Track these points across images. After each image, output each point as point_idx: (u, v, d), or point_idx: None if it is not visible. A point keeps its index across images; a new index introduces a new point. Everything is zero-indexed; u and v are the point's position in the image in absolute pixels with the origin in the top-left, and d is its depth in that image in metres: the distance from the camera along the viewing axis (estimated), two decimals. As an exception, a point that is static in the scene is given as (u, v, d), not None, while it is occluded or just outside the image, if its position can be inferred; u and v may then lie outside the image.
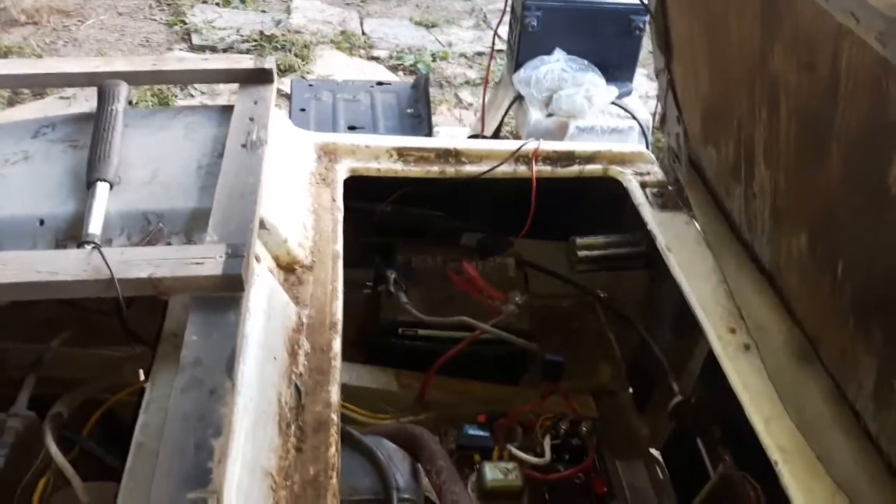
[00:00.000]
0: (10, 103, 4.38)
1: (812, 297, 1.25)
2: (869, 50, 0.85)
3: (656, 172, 1.86)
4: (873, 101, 0.91)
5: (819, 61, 1.01)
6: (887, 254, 0.97)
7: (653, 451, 1.86)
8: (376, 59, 5.19)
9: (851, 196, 1.05)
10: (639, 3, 2.70)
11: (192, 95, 4.47)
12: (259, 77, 1.59)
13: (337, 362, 1.28)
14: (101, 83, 1.52)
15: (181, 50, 5.11)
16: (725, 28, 1.32)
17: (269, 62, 1.61)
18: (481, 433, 1.77)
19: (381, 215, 1.95)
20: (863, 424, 1.13)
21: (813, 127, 1.10)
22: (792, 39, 1.07)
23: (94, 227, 1.24)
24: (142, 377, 1.46)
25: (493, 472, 1.64)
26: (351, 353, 1.90)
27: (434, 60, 5.21)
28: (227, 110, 1.54)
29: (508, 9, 3.27)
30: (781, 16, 1.08)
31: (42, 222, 1.29)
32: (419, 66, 5.07)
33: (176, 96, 4.44)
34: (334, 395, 1.22)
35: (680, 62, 1.61)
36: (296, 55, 5.03)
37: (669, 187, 1.79)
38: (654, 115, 3.19)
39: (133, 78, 1.57)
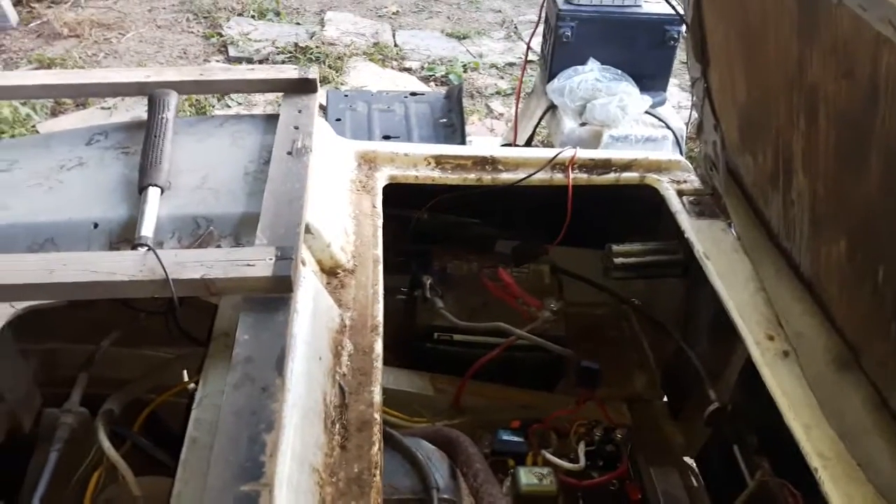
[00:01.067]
0: (54, 113, 4.51)
1: (852, 304, 1.25)
2: (910, 57, 0.86)
3: (693, 180, 1.86)
4: (915, 108, 0.92)
5: (857, 69, 1.02)
6: (929, 260, 0.98)
7: (687, 458, 1.86)
8: (408, 70, 5.25)
9: (891, 203, 1.05)
10: (674, 13, 2.71)
11: (228, 106, 4.56)
12: (302, 87, 1.64)
13: (378, 363, 1.31)
14: (152, 92, 1.57)
15: (217, 62, 5.22)
16: (763, 36, 1.33)
17: (313, 72, 1.66)
18: (515, 438, 1.79)
19: (418, 222, 1.99)
20: (905, 431, 1.13)
21: (852, 134, 1.10)
22: (830, 47, 1.08)
23: (147, 229, 1.29)
24: (185, 377, 1.51)
25: (528, 477, 1.66)
26: (387, 357, 1.93)
27: (465, 71, 5.26)
28: (272, 119, 1.59)
29: (542, 19, 3.30)
30: (819, 24, 1.09)
31: (96, 225, 1.33)
32: (451, 76, 5.12)
33: (213, 106, 4.53)
34: (377, 395, 1.25)
35: (716, 70, 1.62)
36: (329, 66, 5.11)
37: (706, 195, 1.79)
38: (687, 124, 3.19)
39: (181, 87, 1.62)
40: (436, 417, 1.84)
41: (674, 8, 1.85)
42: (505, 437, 1.79)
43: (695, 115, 1.87)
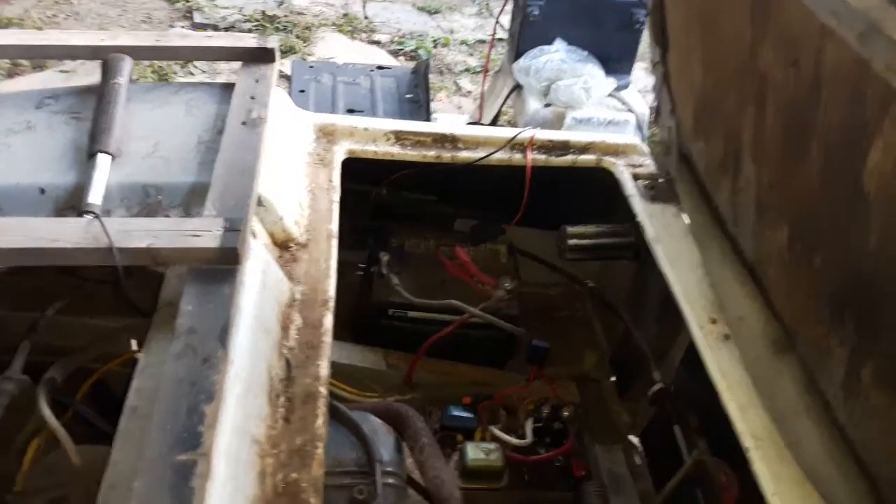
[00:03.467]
0: (10, 75, 4.39)
1: (790, 289, 1.28)
2: (849, 50, 0.88)
3: (648, 165, 1.88)
4: (851, 100, 0.94)
5: (803, 59, 1.04)
6: (860, 249, 1.01)
7: (632, 437, 1.90)
8: (377, 43, 5.20)
9: (829, 193, 1.08)
10: (639, -4, 2.73)
11: (191, 73, 4.48)
12: (261, 56, 1.62)
13: (328, 338, 1.31)
14: (106, 57, 1.54)
15: (182, 27, 5.11)
16: (718, 22, 1.34)
17: (272, 41, 1.64)
18: (465, 414, 1.81)
19: (377, 198, 1.98)
20: (832, 413, 1.17)
21: (796, 123, 1.13)
22: (779, 36, 1.10)
23: (95, 197, 1.27)
24: (134, 347, 1.49)
25: (475, 452, 1.68)
26: (341, 332, 1.93)
27: (435, 47, 5.22)
28: (228, 88, 1.56)
29: (510, -2, 3.29)
30: (770, 12, 1.11)
31: (43, 191, 1.31)
32: (420, 51, 5.08)
33: (176, 73, 4.44)
34: (323, 369, 1.25)
35: (675, 55, 1.63)
36: (297, 37, 5.04)
37: (660, 180, 1.82)
38: (651, 108, 3.22)
39: (136, 53, 1.59)
40: (388, 393, 1.85)
41: (635, -8, 1.86)
42: (455, 413, 1.81)
43: (656, 98, 1.89)
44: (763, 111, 1.23)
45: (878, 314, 1.02)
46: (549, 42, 3.05)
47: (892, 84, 0.80)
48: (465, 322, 1.86)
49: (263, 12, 5.29)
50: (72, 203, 1.30)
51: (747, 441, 1.23)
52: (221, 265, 1.14)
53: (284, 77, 3.87)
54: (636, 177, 1.84)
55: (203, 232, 1.14)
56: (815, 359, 1.22)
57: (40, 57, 3.05)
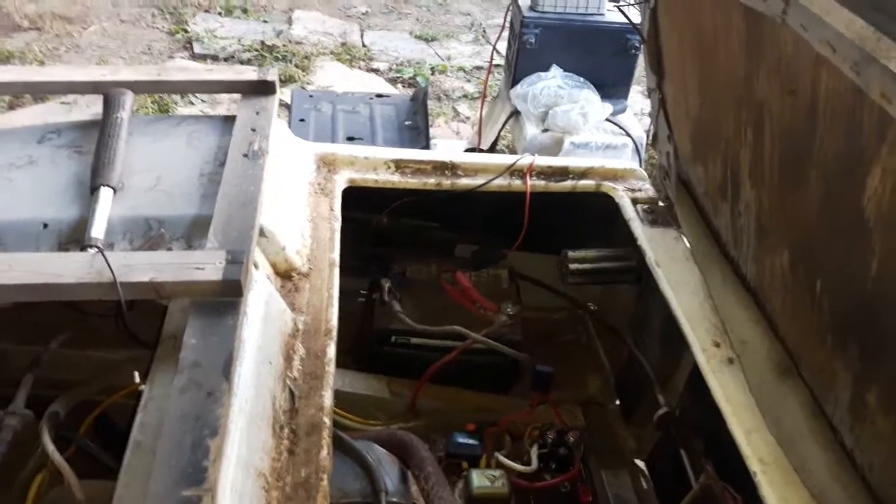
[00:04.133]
0: (11, 107, 4.42)
1: (793, 313, 1.28)
2: (844, 79, 0.89)
3: (647, 189, 1.90)
4: (848, 128, 0.95)
5: (800, 88, 1.05)
6: (860, 274, 1.01)
7: (638, 461, 1.89)
8: (376, 70, 5.25)
9: (829, 218, 1.09)
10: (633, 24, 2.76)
11: (192, 103, 4.51)
12: (261, 88, 1.63)
13: (331, 368, 1.31)
14: (107, 91, 1.55)
15: (182, 58, 5.16)
16: (714, 51, 1.36)
17: (272, 74, 1.65)
18: (470, 441, 1.80)
19: (378, 226, 1.99)
20: (839, 437, 1.17)
21: (794, 150, 1.14)
22: (774, 65, 1.11)
23: (97, 231, 1.27)
24: (137, 380, 1.49)
25: (480, 480, 1.67)
26: (344, 360, 1.93)
27: (433, 74, 5.27)
28: (229, 120, 1.58)
29: (507, 25, 3.32)
30: (764, 41, 1.13)
31: (46, 226, 1.31)
32: (418, 78, 5.13)
33: (176, 104, 4.48)
34: (327, 399, 1.25)
35: (671, 82, 1.65)
36: (296, 66, 5.08)
37: (660, 203, 1.83)
38: (647, 132, 3.24)
39: (138, 87, 1.61)
40: (391, 420, 1.85)
41: (630, 22, 1.88)
42: (460, 440, 1.81)
43: (652, 124, 1.90)
44: (761, 138, 1.24)
45: (882, 339, 1.02)
46: (546, 69, 3.08)
47: (889, 111, 0.81)
48: (468, 348, 1.85)
49: (262, 42, 5.34)
50: (75, 237, 1.30)
51: (754, 465, 1.23)
52: (224, 297, 1.15)
53: (284, 106, 3.90)
54: (635, 201, 1.85)
55: (206, 264, 1.15)
56: (819, 383, 1.22)
57: (42, 92, 3.08)
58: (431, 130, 3.52)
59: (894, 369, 0.99)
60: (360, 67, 5.27)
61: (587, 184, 1.91)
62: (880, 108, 0.83)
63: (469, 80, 5.26)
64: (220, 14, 5.71)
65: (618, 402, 2.04)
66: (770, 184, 1.25)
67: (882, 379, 1.02)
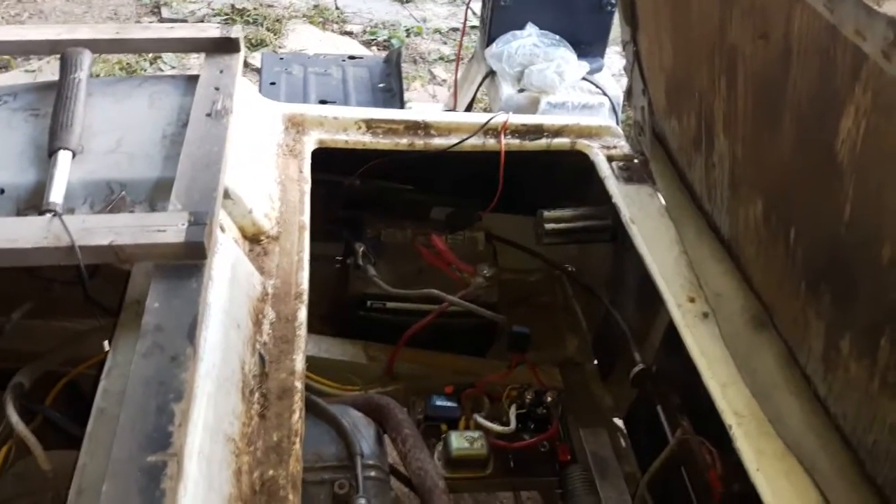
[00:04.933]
0: (-26, 76, 4.29)
1: (767, 264, 1.28)
2: (818, 17, 0.87)
3: (623, 146, 1.87)
4: (822, 69, 0.93)
5: (773, 30, 1.02)
6: (833, 220, 1.00)
7: (616, 420, 1.90)
8: (350, 34, 5.14)
9: (802, 164, 1.07)
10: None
11: (161, 69, 4.40)
12: (225, 46, 1.58)
13: (302, 332, 1.29)
14: (64, 51, 1.49)
15: (150, 22, 5.02)
16: (687, -2, 1.33)
17: (236, 31, 1.60)
18: (449, 404, 1.80)
19: (350, 188, 1.95)
20: (812, 387, 1.17)
21: (768, 96, 1.12)
22: (748, 8, 1.09)
23: (56, 195, 1.23)
24: (106, 349, 1.46)
25: (459, 441, 1.67)
26: (321, 326, 1.91)
27: (408, 36, 5.17)
28: (192, 80, 1.53)
29: (481, -17, 3.26)
30: (738, -16, 1.10)
31: (2, 191, 1.27)
32: (393, 41, 5.04)
33: (145, 70, 4.37)
34: (299, 363, 1.23)
35: (645, 34, 1.62)
36: (267, 29, 4.97)
37: (635, 160, 1.81)
38: (625, 92, 3.20)
39: (96, 46, 1.55)
40: (369, 385, 1.83)
41: (603, -30, 1.84)
42: (438, 403, 1.80)
43: (627, 78, 1.87)
44: (734, 85, 1.22)
45: (854, 285, 1.01)
46: (521, 27, 3.02)
47: (863, 48, 0.79)
48: (445, 311, 1.84)
49: (233, 5, 5.21)
50: (33, 202, 1.26)
51: (729, 418, 1.23)
52: (188, 260, 1.11)
53: (255, 70, 3.82)
54: (610, 158, 1.82)
55: (168, 227, 1.11)
56: (793, 333, 1.21)
57: (-1, 54, 2.97)
58: (407, 94, 3.47)
59: (866, 315, 0.99)
60: (333, 30, 5.16)
61: (562, 142, 1.89)
62: (854, 46, 0.81)
63: (445, 43, 5.18)
64: (188, -22, 5.55)
65: (595, 361, 2.04)
66: (743, 133, 1.23)
67: (854, 325, 1.02)
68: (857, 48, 0.80)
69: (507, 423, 1.75)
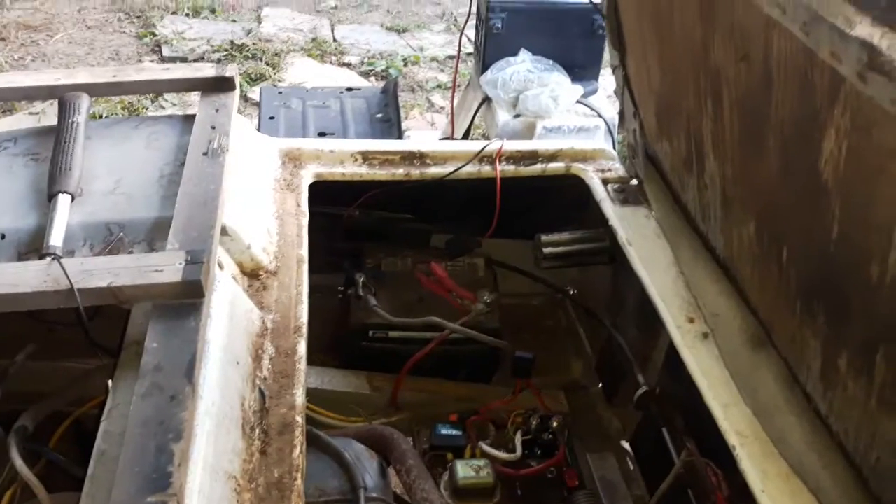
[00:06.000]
0: (-20, 120, 4.35)
1: (762, 283, 1.28)
2: (795, 40, 0.88)
3: (617, 169, 1.89)
4: (802, 91, 0.94)
5: (753, 53, 1.04)
6: (822, 238, 1.00)
7: (623, 443, 1.88)
8: (348, 65, 5.20)
9: (789, 184, 1.08)
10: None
11: (162, 107, 4.46)
12: (220, 85, 1.61)
13: (302, 365, 1.29)
14: (62, 96, 1.52)
15: (151, 62, 5.10)
16: (670, 22, 1.35)
17: (231, 70, 1.63)
18: (454, 432, 1.79)
19: (349, 220, 1.97)
20: (813, 405, 1.16)
21: (752, 117, 1.13)
22: (728, 31, 1.10)
23: (56, 238, 1.25)
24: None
25: (465, 470, 1.66)
26: (324, 359, 1.92)
27: (405, 65, 5.23)
28: (189, 119, 1.55)
29: (474, 11, 3.30)
30: (717, 7, 1.11)
31: (3, 236, 1.29)
32: (391, 71, 5.10)
33: (147, 108, 4.43)
34: (299, 397, 1.23)
35: (633, 58, 1.64)
36: (267, 63, 5.03)
37: (630, 182, 1.82)
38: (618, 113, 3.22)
39: (94, 90, 1.57)
40: (373, 416, 1.83)
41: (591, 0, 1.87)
42: (443, 432, 1.79)
43: (618, 102, 1.89)
44: (720, 107, 1.23)
45: (847, 303, 1.01)
46: (514, 53, 3.06)
47: (839, 70, 0.80)
48: (447, 338, 1.84)
49: (232, 42, 5.29)
50: (34, 246, 1.28)
51: (732, 439, 1.22)
52: (186, 299, 1.12)
53: (255, 104, 3.86)
54: (606, 181, 1.84)
55: (165, 266, 1.13)
56: (792, 352, 1.21)
57: (-2, 100, 3.02)
58: (406, 122, 3.50)
59: (860, 332, 0.99)
60: (331, 62, 5.23)
61: (557, 166, 1.90)
62: (831, 69, 0.82)
63: (443, 70, 5.24)
64: (187, 15, 5.64)
65: (600, 384, 2.03)
66: (732, 154, 1.24)
67: (849, 343, 1.02)
68: (834, 70, 0.81)
69: (512, 450, 1.73)
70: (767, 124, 1.07)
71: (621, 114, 1.78)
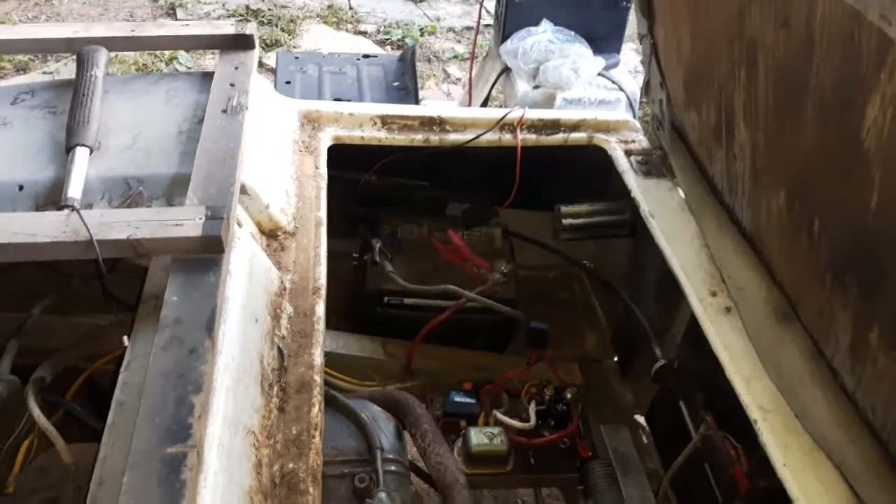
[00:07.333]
0: (-7, 79, 4.33)
1: (790, 256, 1.25)
2: (841, 3, 0.85)
3: (641, 140, 1.85)
4: (846, 56, 0.91)
5: (794, 18, 1.01)
6: (859, 208, 0.98)
7: (637, 416, 1.88)
8: (363, 33, 5.15)
9: (826, 153, 1.05)
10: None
11: (177, 70, 4.42)
12: (240, 43, 1.58)
13: (320, 326, 1.28)
14: (80, 49, 1.50)
15: (166, 25, 5.05)
16: (706, -12, 1.31)
17: (251, 28, 1.60)
18: (467, 400, 1.79)
19: (366, 185, 1.95)
20: (840, 380, 1.15)
21: (790, 85, 1.10)
22: (769, -3, 1.07)
23: (74, 191, 1.23)
24: (125, 344, 1.46)
25: (479, 437, 1.66)
26: (339, 323, 1.91)
27: (422, 35, 5.17)
28: (207, 77, 1.53)
29: (495, -20, 3.25)
30: (759, -27, 1.08)
31: (21, 188, 1.28)
32: (407, 40, 5.04)
33: (161, 71, 4.39)
34: (317, 357, 1.22)
35: (662, 26, 1.60)
36: (282, 29, 4.99)
37: (654, 154, 1.79)
38: (641, 87, 3.18)
39: (112, 44, 1.55)
40: (387, 381, 1.83)
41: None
42: (457, 399, 1.79)
43: (644, 72, 1.85)
44: (755, 75, 1.20)
45: (882, 275, 0.99)
46: (536, 23, 3.01)
47: (888, 33, 0.77)
48: (463, 307, 1.83)
49: (247, 6, 5.24)
50: (52, 198, 1.27)
51: (754, 413, 1.21)
52: (205, 254, 1.11)
53: (271, 70, 3.83)
54: (629, 153, 1.81)
55: (185, 221, 1.11)
56: (819, 325, 1.19)
57: (15, 52, 2.98)
58: (422, 92, 3.45)
59: (895, 305, 0.96)
60: (347, 30, 5.17)
61: (579, 136, 1.87)
62: (879, 31, 0.79)
63: (459, 41, 5.17)
64: (203, -21, 5.57)
65: (615, 357, 2.02)
66: (765, 123, 1.21)
67: (883, 316, 0.99)
68: (883, 33, 0.78)
69: (526, 420, 1.73)
70: (806, 92, 1.04)
71: (647, 84, 1.75)
